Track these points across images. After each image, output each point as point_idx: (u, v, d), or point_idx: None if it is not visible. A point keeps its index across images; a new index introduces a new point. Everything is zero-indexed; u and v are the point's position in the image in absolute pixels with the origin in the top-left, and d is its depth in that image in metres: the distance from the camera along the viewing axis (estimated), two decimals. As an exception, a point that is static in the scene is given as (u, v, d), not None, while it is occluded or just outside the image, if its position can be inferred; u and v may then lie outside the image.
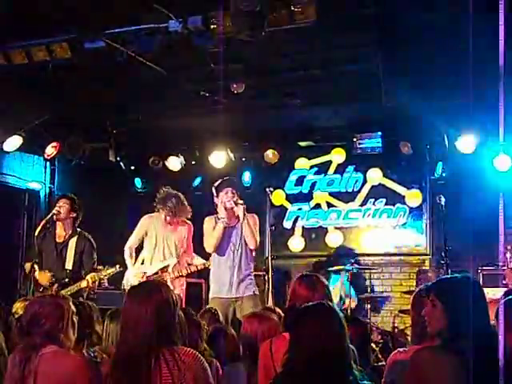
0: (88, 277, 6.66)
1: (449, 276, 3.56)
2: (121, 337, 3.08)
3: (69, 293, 6.42)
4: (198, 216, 6.98)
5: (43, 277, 6.66)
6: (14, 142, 8.29)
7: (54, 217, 6.81)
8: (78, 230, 6.94)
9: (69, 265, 6.76)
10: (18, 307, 5.22)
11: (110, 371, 3.06)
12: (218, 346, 4.33)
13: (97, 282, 6.84)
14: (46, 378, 3.28)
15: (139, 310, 3.02)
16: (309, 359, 2.88)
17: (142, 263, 7.06)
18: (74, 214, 6.90)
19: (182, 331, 3.32)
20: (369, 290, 9.02)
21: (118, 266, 6.82)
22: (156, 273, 6.91)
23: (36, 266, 6.63)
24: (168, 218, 6.90)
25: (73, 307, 3.58)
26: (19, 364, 3.31)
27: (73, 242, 6.83)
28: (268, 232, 7.34)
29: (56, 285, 6.63)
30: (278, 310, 5.07)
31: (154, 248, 6.99)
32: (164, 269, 6.91)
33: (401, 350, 3.79)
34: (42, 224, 6.81)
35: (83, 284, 6.64)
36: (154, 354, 2.95)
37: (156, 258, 6.99)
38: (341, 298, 8.48)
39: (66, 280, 6.67)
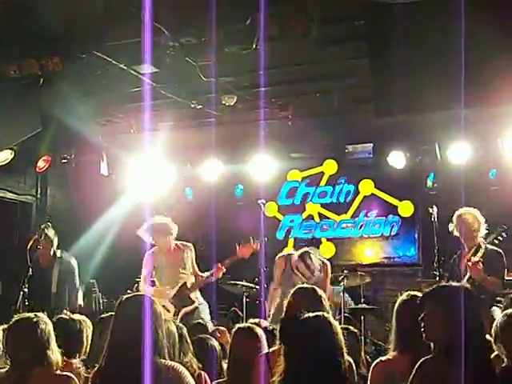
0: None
1: (447, 284, 3.42)
2: (108, 350, 3.07)
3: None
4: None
5: None
6: (4, 156, 8.24)
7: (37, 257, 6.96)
8: (59, 254, 7.07)
9: (54, 289, 6.93)
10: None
11: (95, 382, 3.05)
12: (205, 359, 4.28)
13: None
14: None
15: (127, 322, 3.03)
16: (297, 369, 2.87)
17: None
18: (54, 247, 7.05)
19: (171, 344, 3.30)
20: (362, 301, 8.99)
21: None
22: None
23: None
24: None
25: (50, 326, 3.57)
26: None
27: (56, 269, 6.98)
28: (261, 244, 7.32)
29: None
30: (264, 324, 4.99)
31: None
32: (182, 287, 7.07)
33: (383, 358, 3.71)
34: (33, 239, 6.91)
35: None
36: (140, 367, 2.93)
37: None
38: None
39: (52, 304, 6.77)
